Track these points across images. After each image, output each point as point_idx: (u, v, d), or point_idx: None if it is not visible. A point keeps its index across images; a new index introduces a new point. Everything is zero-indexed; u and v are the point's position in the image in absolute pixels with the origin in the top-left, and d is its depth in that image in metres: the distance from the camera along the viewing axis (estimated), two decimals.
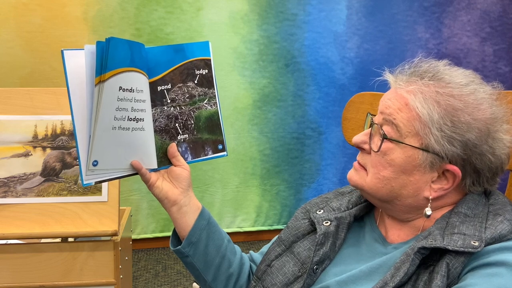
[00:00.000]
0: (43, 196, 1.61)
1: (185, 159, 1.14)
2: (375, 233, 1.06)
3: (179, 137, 1.13)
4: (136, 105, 1.04)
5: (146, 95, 1.06)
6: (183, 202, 1.10)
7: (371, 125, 1.03)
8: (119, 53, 0.99)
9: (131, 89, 1.02)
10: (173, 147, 1.10)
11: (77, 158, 1.00)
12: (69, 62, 1.00)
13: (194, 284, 1.24)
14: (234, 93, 3.19)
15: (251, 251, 1.25)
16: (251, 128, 3.23)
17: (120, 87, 1.00)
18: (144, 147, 1.07)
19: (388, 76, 1.05)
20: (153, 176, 1.08)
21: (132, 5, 2.99)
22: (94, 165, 1.01)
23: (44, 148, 1.63)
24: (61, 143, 1.64)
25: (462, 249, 0.88)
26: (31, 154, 1.63)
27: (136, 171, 1.06)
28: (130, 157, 1.06)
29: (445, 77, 0.98)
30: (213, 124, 1.17)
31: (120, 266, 1.63)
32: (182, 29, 3.06)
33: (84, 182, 1.01)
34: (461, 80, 0.98)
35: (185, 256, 1.12)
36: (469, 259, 0.89)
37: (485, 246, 0.89)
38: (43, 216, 1.59)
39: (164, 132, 1.11)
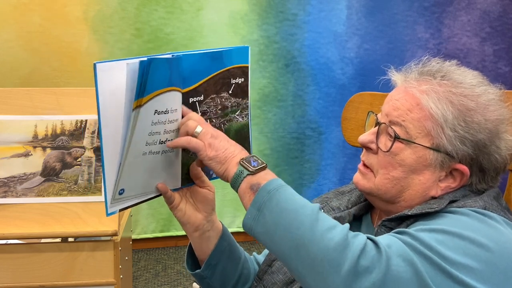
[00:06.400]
0: (43, 196, 1.61)
1: (210, 175, 1.08)
2: (371, 233, 1.06)
3: None
4: (168, 126, 0.96)
5: (179, 113, 0.97)
6: (206, 227, 1.08)
7: (376, 124, 1.02)
8: (159, 75, 0.90)
9: (166, 111, 0.94)
10: (196, 168, 1.04)
11: (99, 181, 0.93)
12: (102, 78, 0.88)
13: (194, 284, 1.24)
14: None
15: (254, 253, 1.24)
16: (251, 128, 3.23)
17: (155, 110, 0.92)
18: (171, 168, 1.01)
19: (394, 75, 1.04)
20: (176, 198, 1.04)
21: (132, 5, 2.99)
22: (120, 194, 0.94)
23: (44, 148, 1.63)
24: (61, 143, 1.64)
25: (420, 211, 0.93)
26: (31, 154, 1.63)
27: (160, 193, 1.02)
28: (155, 180, 0.99)
29: (456, 77, 0.98)
30: (242, 137, 1.09)
31: (120, 266, 1.63)
32: (182, 29, 3.06)
33: (109, 212, 0.94)
34: (471, 80, 0.98)
35: (203, 278, 1.11)
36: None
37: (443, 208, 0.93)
38: (43, 216, 1.59)
39: None
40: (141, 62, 0.86)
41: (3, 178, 1.60)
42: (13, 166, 1.61)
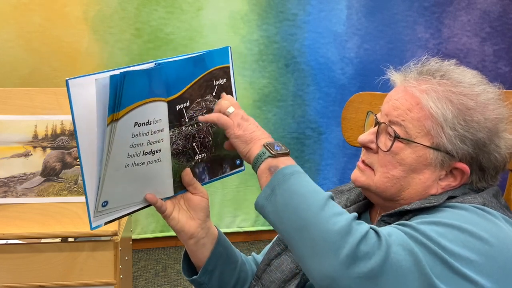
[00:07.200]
0: (43, 196, 1.61)
1: (202, 180, 1.07)
2: None
3: (196, 157, 1.04)
4: (152, 137, 0.94)
5: (164, 123, 0.95)
6: (201, 234, 1.07)
7: (376, 124, 1.02)
8: (136, 87, 0.88)
9: (147, 122, 0.92)
10: (188, 175, 1.04)
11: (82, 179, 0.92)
12: (75, 94, 0.87)
13: None
14: None
15: (253, 253, 1.24)
16: None
17: (135, 123, 0.90)
18: (160, 177, 0.99)
19: (394, 75, 1.04)
20: (169, 207, 1.04)
21: (132, 5, 2.99)
22: (104, 206, 0.93)
23: (44, 148, 1.64)
24: (61, 143, 1.64)
25: (419, 205, 0.93)
26: (31, 154, 1.63)
27: (150, 204, 1.01)
28: (144, 191, 0.98)
29: (455, 76, 0.99)
30: None
31: (120, 266, 1.63)
32: (182, 29, 3.06)
33: (93, 226, 0.93)
34: (470, 79, 0.99)
35: (200, 284, 1.10)
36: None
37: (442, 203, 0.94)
38: (43, 216, 1.60)
39: (181, 154, 1.02)
40: (112, 77, 0.85)
41: (3, 178, 1.60)
42: (13, 166, 1.61)
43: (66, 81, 0.87)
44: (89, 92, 0.87)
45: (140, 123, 0.91)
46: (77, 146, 0.89)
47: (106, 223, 0.96)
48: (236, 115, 0.97)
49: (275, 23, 3.16)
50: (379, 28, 3.25)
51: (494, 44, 3.33)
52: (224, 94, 1.04)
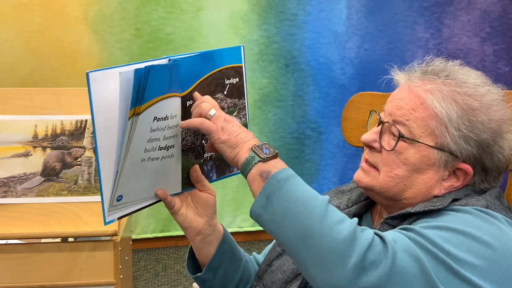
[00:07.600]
0: (43, 196, 1.61)
1: (210, 178, 1.07)
2: None
3: (205, 155, 1.04)
4: (168, 132, 0.94)
5: (178, 118, 0.96)
6: (208, 231, 1.07)
7: (379, 123, 1.02)
8: (158, 82, 0.88)
9: (165, 117, 0.92)
10: (197, 172, 1.04)
11: (99, 189, 0.91)
12: (95, 87, 0.86)
13: (194, 284, 1.24)
14: None
15: (254, 253, 1.24)
16: (251, 128, 3.22)
17: (155, 117, 0.90)
18: (171, 173, 0.99)
19: (398, 74, 1.04)
20: (177, 203, 1.03)
21: (132, 5, 2.99)
22: (118, 200, 0.94)
23: (44, 148, 1.63)
24: (61, 143, 1.64)
25: (423, 208, 0.93)
26: (31, 154, 1.63)
27: (160, 199, 1.01)
28: (155, 186, 0.98)
29: (460, 77, 0.99)
30: None
31: (120, 266, 1.63)
32: (182, 29, 3.06)
33: (107, 220, 0.94)
34: (475, 80, 0.99)
35: (204, 281, 1.10)
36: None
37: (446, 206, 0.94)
38: (43, 216, 1.60)
39: (190, 151, 1.02)
40: (137, 71, 0.84)
41: (3, 178, 1.60)
42: (13, 166, 1.61)
43: (87, 73, 0.85)
44: (110, 85, 0.86)
45: (159, 118, 0.91)
46: (95, 140, 0.88)
47: (118, 218, 0.96)
48: (219, 118, 0.94)
49: (275, 23, 3.16)
50: (379, 28, 3.25)
51: (494, 44, 3.33)
52: (197, 93, 0.99)
